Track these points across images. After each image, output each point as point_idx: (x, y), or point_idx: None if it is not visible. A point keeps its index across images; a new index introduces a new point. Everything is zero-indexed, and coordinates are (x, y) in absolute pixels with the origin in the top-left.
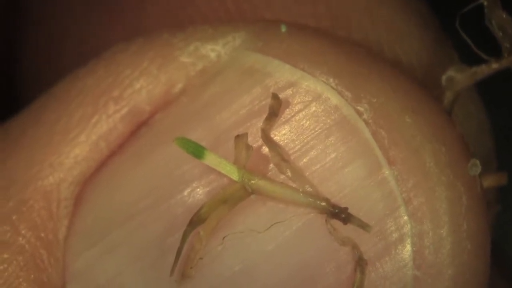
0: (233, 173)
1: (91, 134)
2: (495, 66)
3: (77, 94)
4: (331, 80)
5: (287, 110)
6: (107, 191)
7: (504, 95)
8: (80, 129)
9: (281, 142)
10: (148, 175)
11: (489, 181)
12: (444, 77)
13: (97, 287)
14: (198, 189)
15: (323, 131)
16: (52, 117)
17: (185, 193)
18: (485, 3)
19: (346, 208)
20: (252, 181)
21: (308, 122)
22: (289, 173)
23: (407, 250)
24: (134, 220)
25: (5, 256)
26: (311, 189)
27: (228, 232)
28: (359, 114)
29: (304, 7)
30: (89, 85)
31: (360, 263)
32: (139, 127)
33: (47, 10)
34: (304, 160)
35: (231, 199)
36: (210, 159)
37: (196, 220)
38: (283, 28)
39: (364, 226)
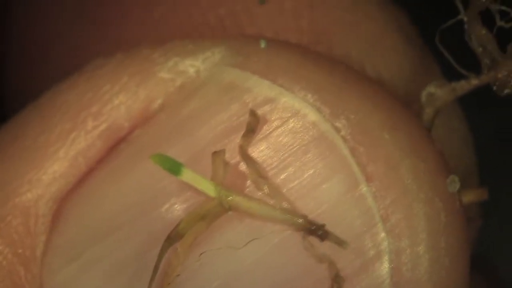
0: (210, 190)
1: (70, 150)
2: (474, 82)
3: (57, 109)
4: (310, 96)
5: (265, 126)
6: (86, 207)
7: (487, 109)
8: (59, 145)
9: (259, 159)
10: (127, 192)
11: (470, 197)
12: (424, 93)
13: None
14: (176, 205)
15: (301, 148)
16: (32, 132)
17: (163, 209)
18: (465, 19)
19: (323, 225)
20: (229, 198)
21: (286, 139)
22: (266, 190)
23: (384, 267)
24: (113, 236)
25: None
26: (289, 206)
27: (206, 249)
28: (337, 130)
29: (287, 22)
30: (69, 100)
31: (337, 280)
32: (118, 143)
33: (33, 21)
34: (282, 176)
35: (209, 215)
36: (187, 176)
37: (173, 236)
38: (263, 44)
39: (340, 243)
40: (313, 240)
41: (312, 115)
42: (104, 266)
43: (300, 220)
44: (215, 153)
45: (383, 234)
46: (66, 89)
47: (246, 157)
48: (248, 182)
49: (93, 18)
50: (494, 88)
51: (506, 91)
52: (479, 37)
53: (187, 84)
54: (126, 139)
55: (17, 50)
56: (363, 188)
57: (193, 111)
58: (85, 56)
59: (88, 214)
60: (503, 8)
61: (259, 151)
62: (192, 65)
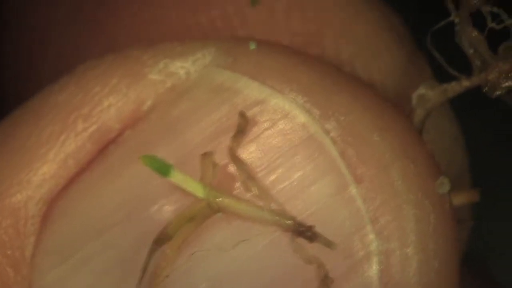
0: (199, 191)
1: (60, 152)
2: (465, 83)
3: (48, 110)
4: (300, 97)
5: (255, 128)
6: (75, 209)
7: (478, 110)
8: (49, 147)
9: (248, 160)
10: (116, 193)
11: (461, 198)
12: (415, 95)
13: None
14: (166, 207)
15: (290, 149)
16: (22, 134)
17: (153, 210)
18: (456, 21)
19: (312, 226)
20: (218, 199)
21: (275, 140)
22: (255, 191)
23: (373, 268)
24: (102, 238)
25: None
26: (277, 207)
27: (195, 250)
28: (327, 132)
29: (278, 23)
30: (60, 102)
31: (325, 281)
32: (107, 145)
33: (27, 21)
34: (271, 178)
35: (197, 217)
36: (176, 177)
37: (162, 238)
38: (253, 45)
39: (329, 244)
40: (302, 241)
41: (302, 117)
42: (93, 268)
43: (289, 222)
44: (204, 155)
45: (372, 236)
46: (57, 90)
47: (235, 159)
48: (237, 184)
49: (86, 20)
50: (485, 89)
51: (497, 92)
52: (470, 39)
53: (177, 85)
54: (116, 141)
55: (10, 51)
56: (353, 189)
57: (183, 113)
58: (77, 57)
59: (78, 215)
60: (494, 9)
61: (248, 152)
62: (182, 67)
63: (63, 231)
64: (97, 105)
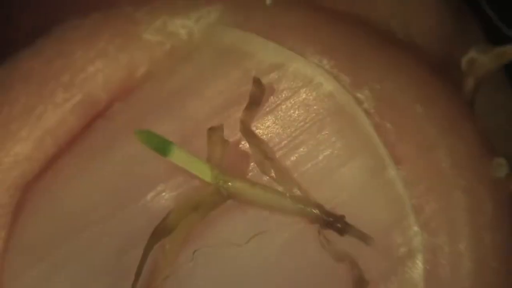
0: (206, 174)
1: (35, 128)
2: None
3: (20, 79)
4: (325, 61)
5: (272, 98)
6: (55, 197)
7: None
8: (22, 123)
9: (264, 136)
10: (104, 178)
11: None
12: (464, 60)
13: None
14: (164, 193)
15: (315, 123)
16: None
17: (148, 198)
18: None
19: (343, 217)
20: (229, 184)
21: (296, 113)
22: (273, 174)
23: (417, 268)
24: (87, 233)
25: None
26: (301, 194)
27: (200, 246)
28: (359, 102)
29: None
30: (35, 69)
31: (360, 283)
32: (94, 120)
33: None
34: (292, 158)
35: (204, 205)
36: (178, 157)
37: (161, 231)
38: (268, 0)
39: (364, 238)
40: (331, 235)
41: (329, 85)
42: (77, 268)
43: (315, 211)
44: (211, 130)
45: (415, 229)
46: (31, 55)
47: (249, 135)
48: (252, 165)
49: None
50: None
51: None
52: None
53: (178, 48)
54: (104, 115)
55: None
56: (391, 172)
57: (185, 81)
58: (55, 17)
59: (57, 206)
60: None
61: (264, 127)
62: (184, 26)
63: (41, 224)
64: (80, 72)
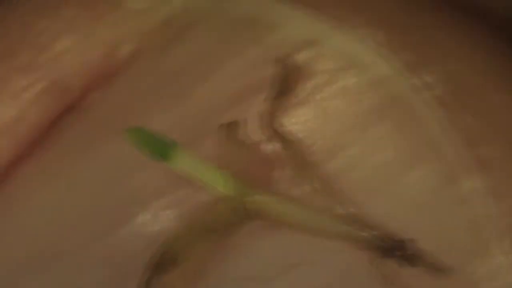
0: (221, 185)
1: None
2: None
3: None
4: (376, 36)
5: (306, 84)
6: (13, 220)
7: None
8: None
9: (299, 134)
10: (80, 192)
11: None
12: None
13: None
14: (164, 212)
15: (365, 118)
16: None
17: (140, 219)
18: None
19: (410, 241)
20: (252, 198)
21: (339, 104)
22: (311, 184)
23: None
24: (57, 268)
25: None
26: (349, 210)
27: (215, 283)
28: (420, 91)
29: None
30: None
31: None
32: (62, 115)
33: None
34: (336, 164)
35: (218, 228)
36: (183, 163)
37: (161, 264)
38: None
39: (442, 270)
40: (393, 265)
41: (381, 67)
42: None
43: (371, 233)
44: (224, 127)
45: (506, 258)
46: None
47: (276, 133)
48: (281, 173)
49: None
50: None
51: None
52: None
53: (174, 18)
54: (77, 108)
55: None
56: (469, 182)
57: (186, 62)
58: None
59: (18, 230)
60: None
61: (296, 123)
62: None
63: None
64: (44, 50)
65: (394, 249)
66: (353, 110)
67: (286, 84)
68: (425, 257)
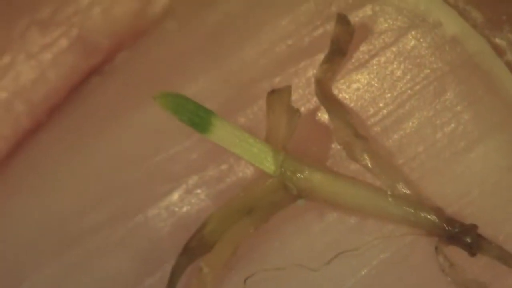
0: (266, 160)
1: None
2: None
3: None
4: None
5: (363, 45)
6: (34, 194)
7: None
8: None
9: (353, 104)
10: (104, 166)
11: None
12: None
13: None
14: (198, 190)
15: (431, 84)
16: None
17: (174, 197)
18: None
19: (475, 227)
20: (300, 175)
21: (402, 67)
22: (366, 160)
23: None
24: (82, 248)
25: None
26: (409, 191)
27: (255, 269)
28: (500, 52)
29: None
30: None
31: None
32: (87, 78)
33: None
34: (396, 136)
35: (260, 207)
36: (223, 135)
37: (195, 247)
38: None
39: (509, 259)
40: (456, 253)
41: (452, 25)
42: None
43: (431, 217)
44: (272, 94)
45: None
46: None
47: (330, 101)
48: (334, 147)
49: None
50: None
51: None
52: None
53: None
54: (102, 71)
55: None
56: None
57: (226, 19)
58: None
59: (37, 206)
60: None
61: (353, 90)
62: None
63: (9, 232)
64: (66, 5)
65: (459, 235)
66: (418, 76)
67: (343, 45)
68: (490, 245)
